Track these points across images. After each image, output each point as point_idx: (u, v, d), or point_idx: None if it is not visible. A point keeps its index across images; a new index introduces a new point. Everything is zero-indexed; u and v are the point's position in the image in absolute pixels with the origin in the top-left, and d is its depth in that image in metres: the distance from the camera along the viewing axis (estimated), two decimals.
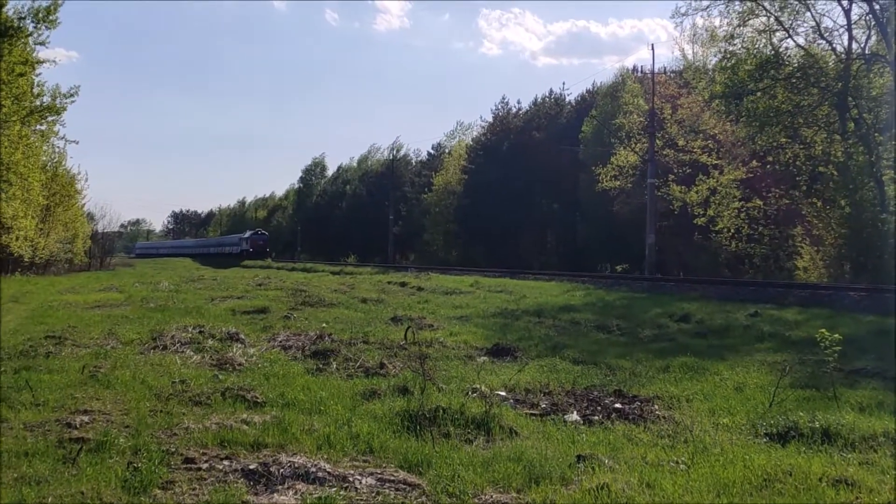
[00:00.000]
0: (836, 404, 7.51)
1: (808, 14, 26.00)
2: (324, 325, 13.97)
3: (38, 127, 29.89)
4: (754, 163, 30.11)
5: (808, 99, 25.74)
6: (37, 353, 9.61)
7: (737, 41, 26.87)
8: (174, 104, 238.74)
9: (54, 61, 37.15)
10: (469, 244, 56.58)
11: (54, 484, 4.58)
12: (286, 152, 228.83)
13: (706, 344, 12.38)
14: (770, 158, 28.61)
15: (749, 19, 26.65)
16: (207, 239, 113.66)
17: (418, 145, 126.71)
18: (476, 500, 4.64)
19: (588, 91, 53.29)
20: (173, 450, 5.34)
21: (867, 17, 25.34)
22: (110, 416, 6.41)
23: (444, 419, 6.36)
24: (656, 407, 7.73)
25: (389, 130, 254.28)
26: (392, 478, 4.92)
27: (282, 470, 4.93)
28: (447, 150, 68.81)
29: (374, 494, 4.65)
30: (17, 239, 33.71)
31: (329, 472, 4.92)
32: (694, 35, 36.87)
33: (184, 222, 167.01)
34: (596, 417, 7.19)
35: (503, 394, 7.91)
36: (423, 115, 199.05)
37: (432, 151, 73.48)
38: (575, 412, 7.32)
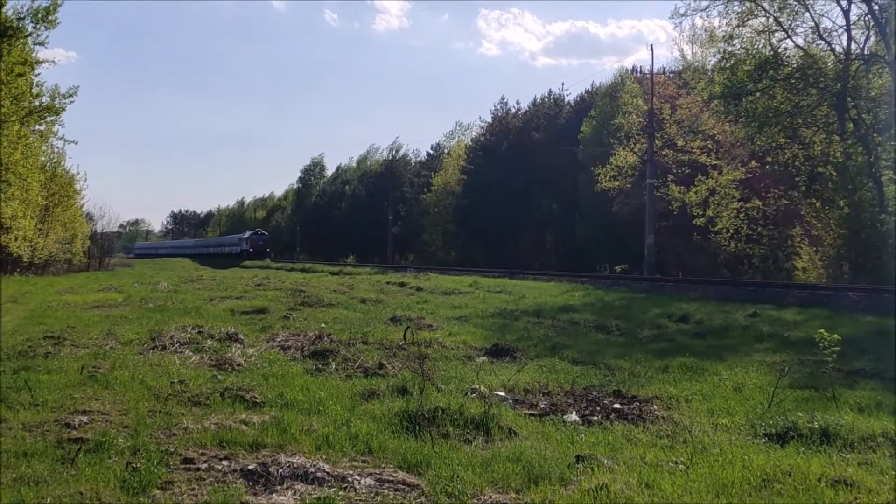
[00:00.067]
0: (835, 405, 7.50)
1: (807, 14, 26.05)
2: (323, 325, 13.96)
3: (38, 127, 29.89)
4: (753, 163, 30.09)
5: (807, 99, 25.75)
6: (36, 353, 9.60)
7: (736, 41, 26.91)
8: (174, 104, 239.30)
9: (53, 61, 37.34)
10: (468, 244, 56.57)
11: (53, 484, 4.57)
12: (286, 152, 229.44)
13: (705, 344, 12.38)
14: (769, 159, 28.62)
15: (748, 20, 26.67)
16: (207, 239, 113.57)
17: (417, 145, 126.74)
18: (475, 501, 4.64)
19: (587, 91, 53.33)
20: (172, 450, 5.33)
21: (866, 18, 25.42)
22: (109, 416, 6.41)
23: (443, 419, 6.35)
24: (655, 407, 7.73)
25: (389, 130, 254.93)
26: (391, 478, 4.92)
27: (281, 470, 4.92)
28: (446, 151, 68.81)
29: (373, 495, 4.65)
30: (15, 239, 33.72)
31: (328, 473, 4.91)
32: (693, 35, 36.96)
33: (183, 222, 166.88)
34: (595, 418, 7.19)
35: (502, 394, 7.90)
36: (423, 116, 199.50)
37: (431, 152, 73.63)
38: (574, 412, 7.32)
